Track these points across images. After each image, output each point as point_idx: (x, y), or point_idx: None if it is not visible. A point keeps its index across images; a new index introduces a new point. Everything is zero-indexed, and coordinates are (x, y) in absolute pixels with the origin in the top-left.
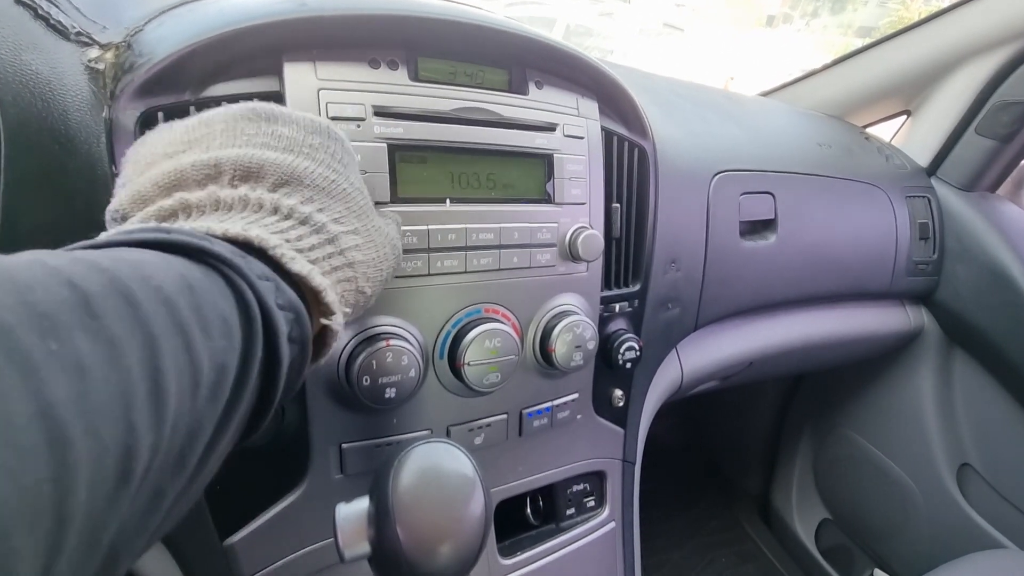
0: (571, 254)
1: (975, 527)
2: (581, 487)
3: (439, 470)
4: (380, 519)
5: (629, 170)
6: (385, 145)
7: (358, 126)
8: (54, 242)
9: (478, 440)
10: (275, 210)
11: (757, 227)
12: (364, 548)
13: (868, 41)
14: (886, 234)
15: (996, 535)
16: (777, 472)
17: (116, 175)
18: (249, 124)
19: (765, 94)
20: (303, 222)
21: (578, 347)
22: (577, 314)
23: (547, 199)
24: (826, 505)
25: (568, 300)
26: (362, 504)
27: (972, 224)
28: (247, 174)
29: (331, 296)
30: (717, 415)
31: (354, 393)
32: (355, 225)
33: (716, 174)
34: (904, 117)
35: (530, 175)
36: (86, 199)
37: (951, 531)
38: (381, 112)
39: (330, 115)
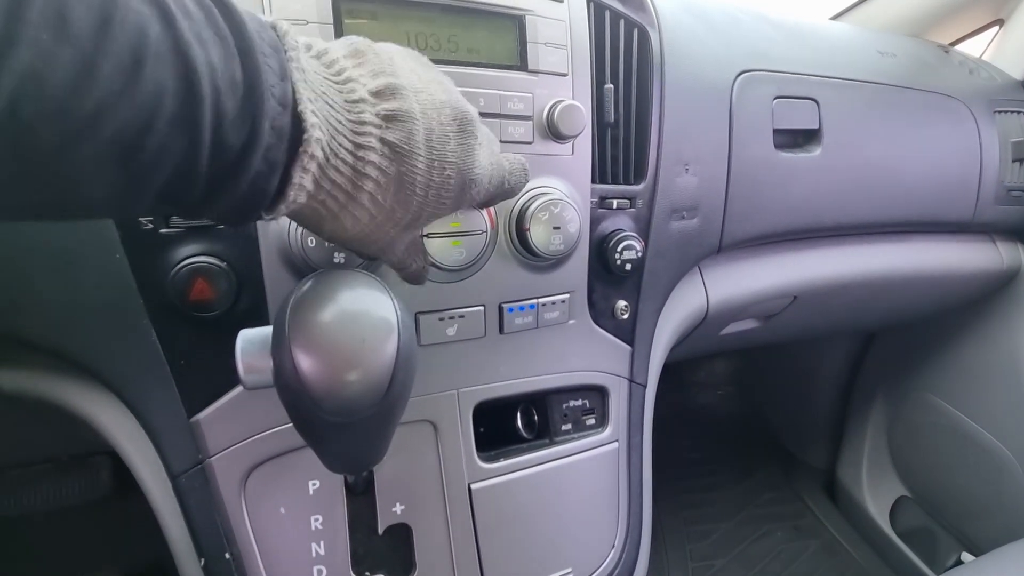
0: (550, 130)
1: None
2: (580, 403)
3: (343, 287)
4: (277, 342)
5: (627, 51)
6: None
7: None
8: None
9: (451, 331)
10: (317, 56)
11: (798, 138)
12: (266, 376)
13: None
14: (968, 154)
15: None
16: (845, 444)
17: None
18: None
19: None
20: (328, 65)
21: (557, 228)
22: (555, 193)
23: (519, 66)
24: (903, 480)
25: (549, 183)
26: (268, 330)
27: None
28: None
29: (306, 102)
30: (777, 382)
31: (303, 256)
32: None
33: (741, 73)
34: (995, 30)
35: (499, 38)
36: None
37: None
38: None
39: None
